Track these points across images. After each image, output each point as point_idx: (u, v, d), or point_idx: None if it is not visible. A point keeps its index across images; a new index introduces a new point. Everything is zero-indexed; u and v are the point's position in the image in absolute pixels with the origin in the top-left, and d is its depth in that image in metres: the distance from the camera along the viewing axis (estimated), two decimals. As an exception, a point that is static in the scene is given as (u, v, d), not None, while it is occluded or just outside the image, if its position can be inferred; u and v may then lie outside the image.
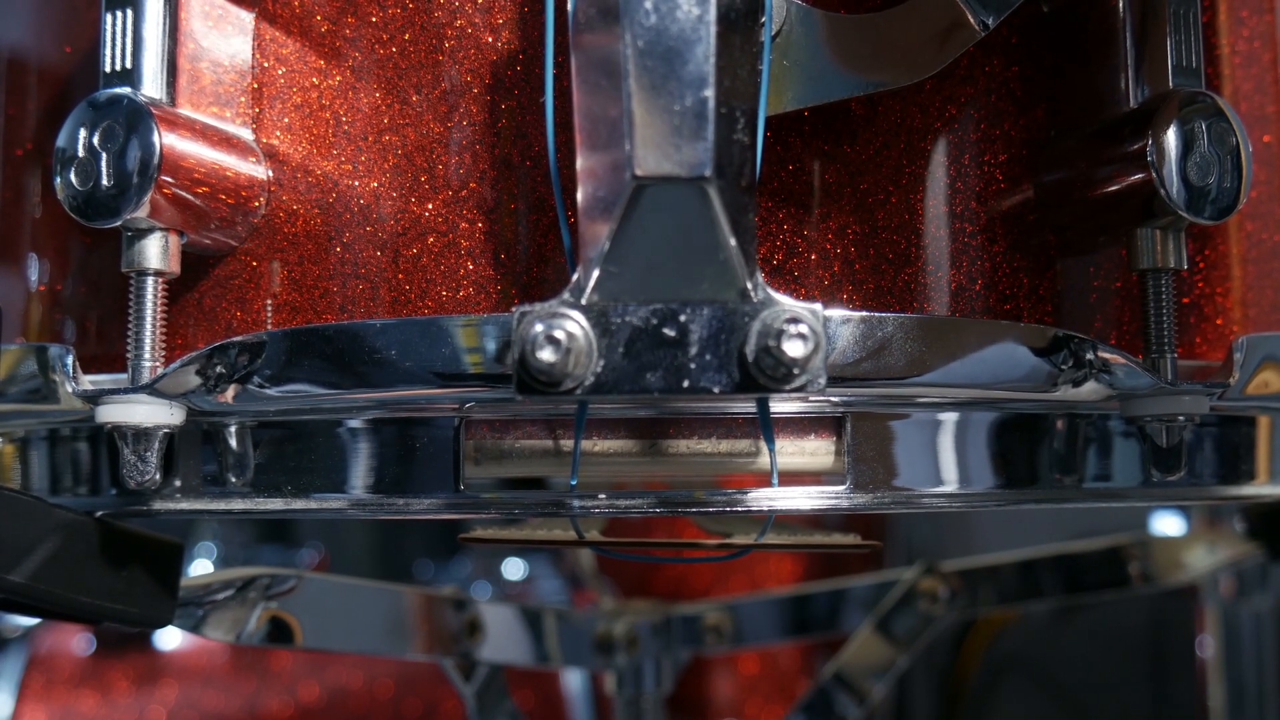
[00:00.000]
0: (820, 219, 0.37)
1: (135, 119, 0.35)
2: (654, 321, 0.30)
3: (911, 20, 0.35)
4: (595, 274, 0.30)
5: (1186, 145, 0.36)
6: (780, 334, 0.29)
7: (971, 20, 0.35)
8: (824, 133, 0.37)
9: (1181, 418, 0.37)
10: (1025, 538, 0.69)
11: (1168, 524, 0.76)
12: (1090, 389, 0.37)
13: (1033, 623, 0.92)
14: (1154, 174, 0.36)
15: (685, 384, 0.30)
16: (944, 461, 0.38)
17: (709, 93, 0.29)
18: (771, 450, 0.35)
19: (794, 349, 0.29)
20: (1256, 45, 0.44)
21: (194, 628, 0.51)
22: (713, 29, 0.29)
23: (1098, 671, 0.93)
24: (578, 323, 0.30)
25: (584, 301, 0.30)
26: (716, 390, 0.30)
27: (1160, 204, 0.36)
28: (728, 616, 0.71)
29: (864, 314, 0.35)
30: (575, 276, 0.30)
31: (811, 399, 0.36)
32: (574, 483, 0.36)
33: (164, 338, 0.37)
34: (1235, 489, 0.42)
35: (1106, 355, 0.37)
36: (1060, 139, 0.39)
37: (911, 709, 0.94)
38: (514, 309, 0.30)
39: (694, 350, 0.30)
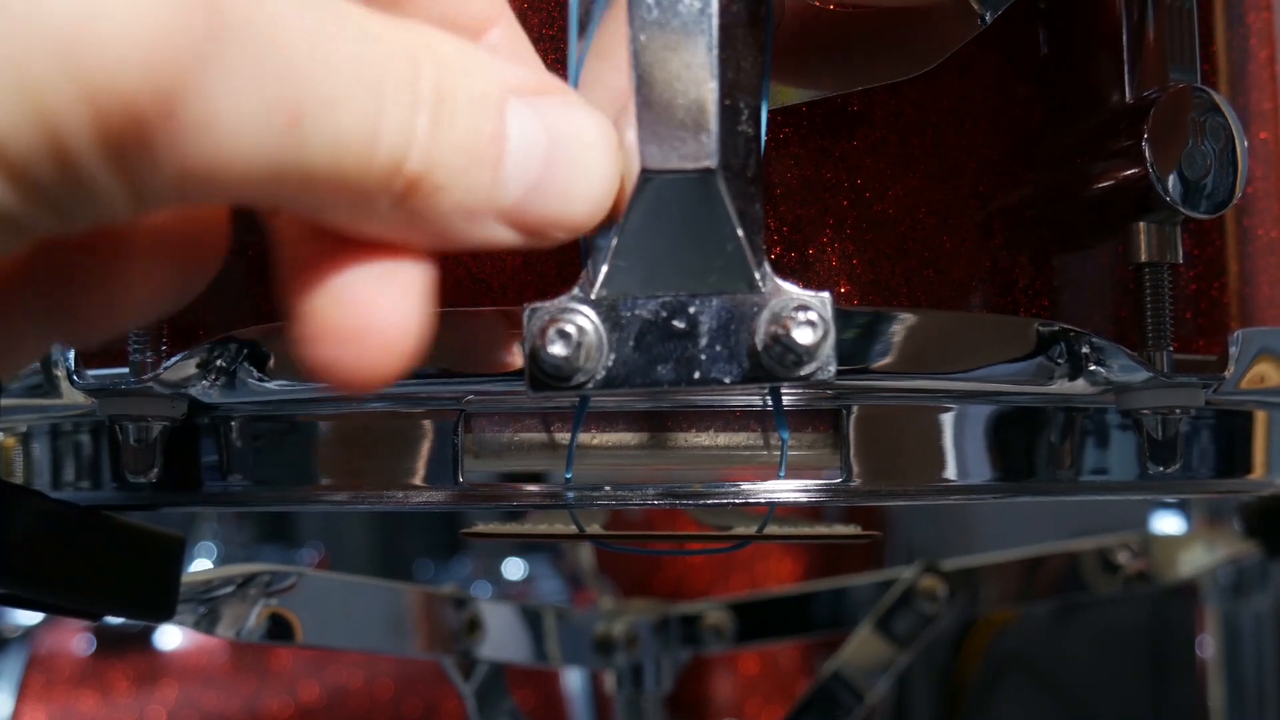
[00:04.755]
0: (817, 214, 0.38)
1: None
2: (664, 314, 0.30)
3: (910, 15, 0.35)
4: (604, 269, 0.30)
5: (1182, 140, 0.36)
6: (789, 322, 0.29)
7: (968, 15, 0.35)
8: (821, 127, 0.37)
9: (1178, 410, 0.37)
10: (1025, 536, 0.69)
11: (1167, 523, 0.76)
12: (1086, 382, 0.37)
13: (1033, 623, 0.92)
14: (1149, 168, 0.36)
15: (696, 375, 0.30)
16: (941, 454, 0.38)
17: (712, 85, 0.30)
18: (784, 440, 0.36)
19: (803, 336, 0.29)
20: (1253, 43, 0.44)
21: (194, 624, 0.51)
22: (715, 21, 0.29)
23: (1098, 671, 0.93)
24: (588, 317, 0.30)
25: (593, 296, 0.30)
26: (727, 380, 0.30)
27: (1156, 198, 0.36)
28: (728, 616, 0.71)
29: (862, 308, 0.35)
30: (584, 271, 0.31)
31: (814, 390, 0.36)
32: (568, 476, 0.36)
33: (166, 331, 0.37)
34: (1231, 482, 0.42)
35: (1103, 348, 0.37)
36: (1056, 134, 0.40)
37: (911, 709, 0.94)
38: (524, 306, 0.30)
39: (704, 341, 0.30)
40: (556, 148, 0.27)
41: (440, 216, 0.25)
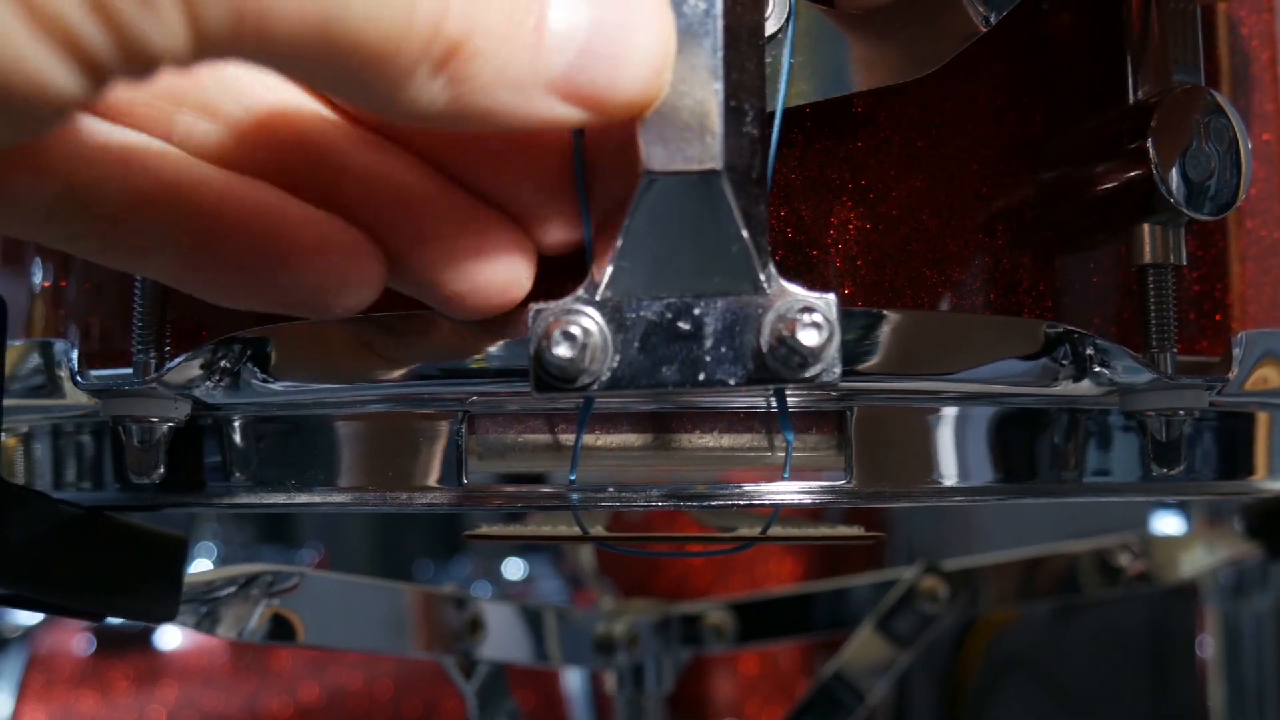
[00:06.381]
0: (821, 215, 0.38)
1: (141, 114, 0.36)
2: (668, 316, 0.30)
3: (914, 16, 0.35)
4: (608, 270, 0.30)
5: (1185, 141, 0.36)
6: (794, 323, 0.29)
7: (973, 16, 0.35)
8: (825, 128, 0.37)
9: (1181, 412, 0.37)
10: (1026, 537, 0.69)
11: (1168, 524, 0.76)
12: (1090, 384, 0.37)
13: (1033, 623, 0.93)
14: (1153, 169, 0.36)
15: (701, 377, 0.30)
16: (944, 455, 0.38)
17: (717, 87, 0.30)
18: (789, 442, 0.36)
19: (808, 338, 0.29)
20: (1255, 44, 0.44)
21: (196, 625, 0.51)
22: (720, 23, 0.30)
23: (1098, 671, 0.93)
24: (593, 319, 0.30)
25: (598, 297, 0.30)
26: (732, 382, 0.30)
27: (1159, 200, 0.36)
28: (728, 616, 0.71)
29: (865, 310, 0.35)
30: (589, 273, 0.31)
31: (819, 392, 0.36)
32: (573, 478, 0.36)
33: (169, 332, 0.37)
34: (1234, 484, 0.42)
35: (1107, 350, 0.37)
36: (1059, 135, 0.40)
37: (911, 709, 0.94)
38: (529, 306, 0.30)
39: (709, 343, 0.30)
40: (602, 8, 0.25)
41: (484, 89, 0.25)
